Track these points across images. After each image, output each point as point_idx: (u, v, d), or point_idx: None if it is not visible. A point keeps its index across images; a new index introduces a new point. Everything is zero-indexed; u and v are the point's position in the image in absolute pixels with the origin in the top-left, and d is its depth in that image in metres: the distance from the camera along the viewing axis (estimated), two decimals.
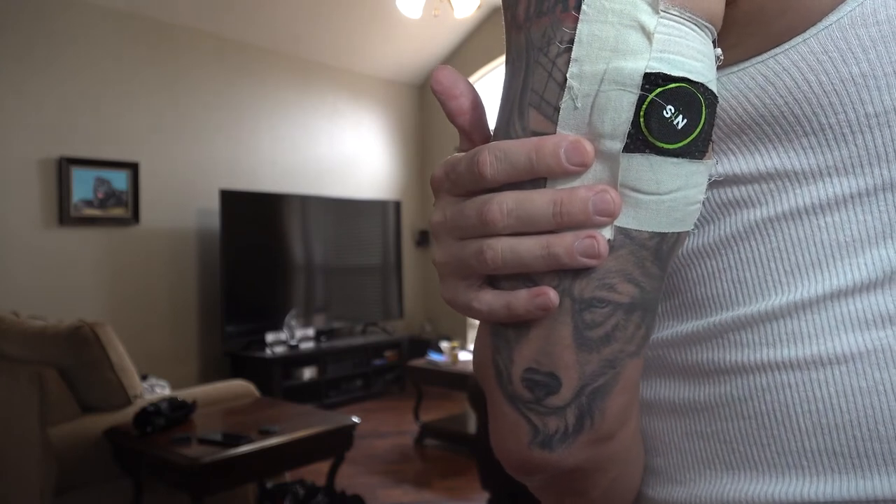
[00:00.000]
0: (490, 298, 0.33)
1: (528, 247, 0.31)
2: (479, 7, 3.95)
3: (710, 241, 0.37)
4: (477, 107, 0.35)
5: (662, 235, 0.31)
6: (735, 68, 0.34)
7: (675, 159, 0.30)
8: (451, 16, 5.04)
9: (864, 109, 0.32)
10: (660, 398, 0.41)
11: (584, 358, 0.31)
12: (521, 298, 0.31)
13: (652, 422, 0.41)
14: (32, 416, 2.43)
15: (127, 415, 2.54)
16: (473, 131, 0.35)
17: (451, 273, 0.35)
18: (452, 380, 4.06)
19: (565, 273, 0.31)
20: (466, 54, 5.97)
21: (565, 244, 0.30)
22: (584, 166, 0.30)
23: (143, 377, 3.61)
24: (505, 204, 0.31)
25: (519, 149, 0.31)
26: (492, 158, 0.31)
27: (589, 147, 0.30)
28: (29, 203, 3.90)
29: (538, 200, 0.30)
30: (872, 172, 0.33)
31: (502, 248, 0.31)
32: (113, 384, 2.55)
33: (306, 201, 5.11)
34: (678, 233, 0.32)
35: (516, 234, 0.31)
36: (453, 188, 0.35)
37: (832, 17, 0.32)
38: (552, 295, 0.31)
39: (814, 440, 0.33)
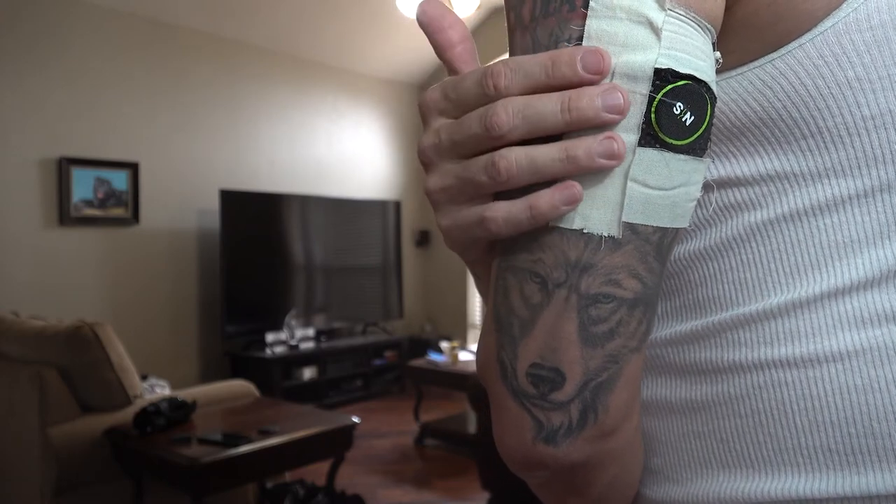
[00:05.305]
0: (506, 205, 0.31)
1: (545, 151, 0.30)
2: (479, 7, 3.95)
3: (712, 243, 0.38)
4: (466, 39, 0.35)
5: (664, 230, 0.31)
6: (734, 72, 0.35)
7: (682, 155, 0.30)
8: None
9: (861, 112, 0.33)
10: (657, 398, 0.41)
11: (589, 353, 0.31)
12: (543, 195, 0.30)
13: (649, 421, 0.41)
14: (32, 416, 2.43)
15: (127, 415, 2.53)
16: (463, 65, 0.35)
17: (452, 198, 0.34)
18: (452, 380, 4.05)
19: (573, 269, 0.31)
20: None
21: (584, 145, 0.29)
22: (601, 74, 0.29)
23: (143, 377, 3.61)
24: (511, 105, 0.30)
25: (534, 60, 0.30)
26: (507, 70, 0.30)
27: (607, 55, 0.29)
28: (29, 203, 3.90)
29: (545, 98, 0.30)
30: (870, 174, 0.33)
31: (517, 155, 0.30)
32: (113, 384, 2.55)
33: (306, 201, 5.11)
34: (677, 229, 0.32)
35: (524, 143, 0.30)
36: (453, 108, 0.33)
37: (827, 23, 0.32)
38: (578, 187, 0.29)
39: (810, 437, 0.34)
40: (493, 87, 0.31)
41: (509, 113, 0.30)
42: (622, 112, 0.29)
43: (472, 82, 0.32)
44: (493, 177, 0.31)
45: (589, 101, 0.29)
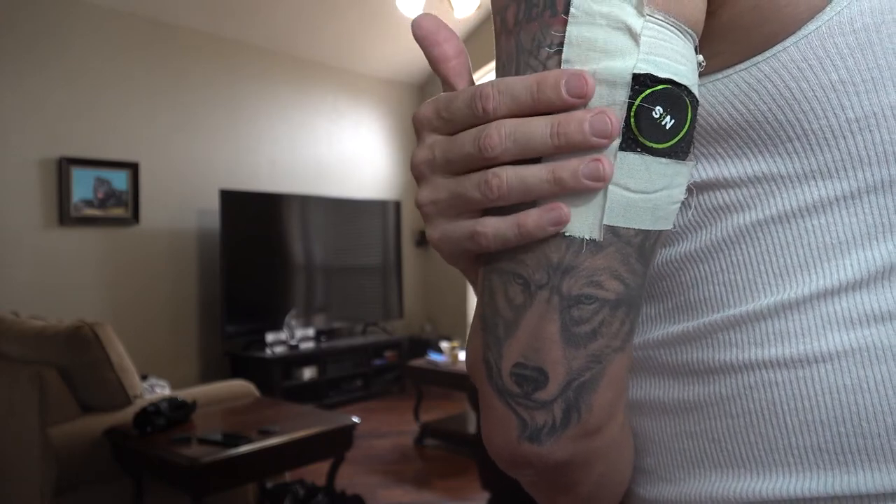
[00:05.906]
0: (495, 221, 0.32)
1: (534, 172, 0.31)
2: (479, 7, 3.95)
3: (702, 245, 0.38)
4: (461, 53, 0.36)
5: (646, 233, 0.32)
6: (720, 75, 0.35)
7: (663, 159, 0.31)
8: (451, 16, 5.04)
9: (845, 115, 0.33)
10: (649, 398, 0.41)
11: (571, 353, 0.32)
12: (532, 215, 0.31)
13: (642, 421, 0.42)
14: (32, 416, 2.43)
15: (127, 415, 2.54)
16: (458, 79, 0.36)
17: (443, 211, 0.35)
18: (452, 380, 4.05)
19: (555, 271, 0.31)
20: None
21: (571, 167, 0.30)
22: (584, 98, 0.30)
23: (143, 377, 3.61)
24: (503, 127, 0.31)
25: (521, 82, 0.31)
26: (495, 92, 0.32)
27: (590, 80, 0.30)
28: (29, 203, 3.91)
29: (535, 123, 0.31)
30: (856, 175, 0.34)
31: (508, 175, 0.31)
32: (113, 384, 2.55)
33: (306, 201, 5.12)
34: (659, 231, 0.33)
35: (515, 163, 0.32)
36: (445, 126, 0.34)
37: (811, 26, 0.33)
38: (565, 210, 0.30)
39: (800, 437, 0.34)
40: (482, 109, 0.32)
41: (502, 136, 0.31)
42: (610, 136, 0.29)
43: (463, 103, 0.33)
44: (485, 194, 0.32)
45: (577, 126, 0.30)
